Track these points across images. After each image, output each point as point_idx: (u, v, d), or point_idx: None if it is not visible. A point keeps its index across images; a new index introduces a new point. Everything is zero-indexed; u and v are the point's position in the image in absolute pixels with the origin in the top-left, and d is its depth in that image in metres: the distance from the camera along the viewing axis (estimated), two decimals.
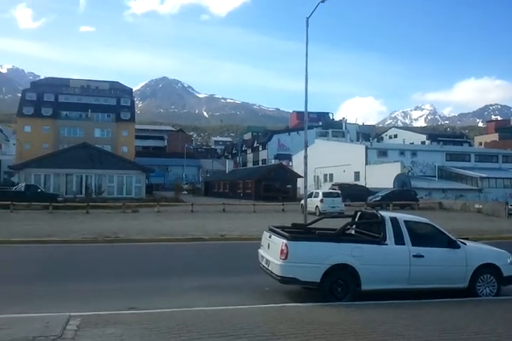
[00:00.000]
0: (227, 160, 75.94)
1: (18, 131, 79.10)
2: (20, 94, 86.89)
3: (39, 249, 14.42)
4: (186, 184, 72.82)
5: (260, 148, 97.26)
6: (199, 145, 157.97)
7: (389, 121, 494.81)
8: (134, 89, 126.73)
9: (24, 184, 34.99)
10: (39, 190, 33.74)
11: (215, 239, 17.08)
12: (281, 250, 7.75)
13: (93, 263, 12.41)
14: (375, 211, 9.31)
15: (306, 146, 20.64)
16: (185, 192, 60.33)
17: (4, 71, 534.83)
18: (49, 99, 77.41)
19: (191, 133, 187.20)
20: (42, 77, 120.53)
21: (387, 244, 8.25)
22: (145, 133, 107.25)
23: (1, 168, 72.27)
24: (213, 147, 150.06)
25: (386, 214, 8.75)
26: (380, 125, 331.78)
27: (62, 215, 26.46)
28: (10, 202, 28.61)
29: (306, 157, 20.36)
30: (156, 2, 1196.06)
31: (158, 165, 67.42)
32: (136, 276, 10.43)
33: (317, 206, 29.79)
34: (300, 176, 50.22)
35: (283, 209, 32.33)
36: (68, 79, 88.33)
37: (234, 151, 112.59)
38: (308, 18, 20.25)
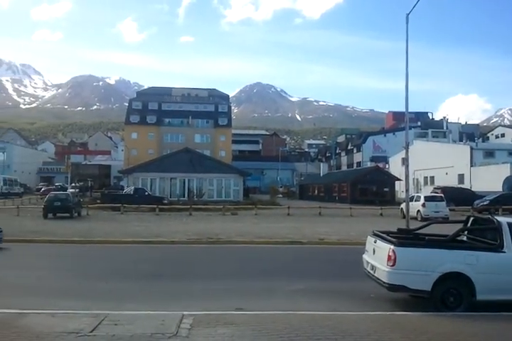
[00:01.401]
0: (321, 163, 75.48)
1: (125, 138, 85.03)
2: (127, 104, 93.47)
3: (149, 249, 15.33)
4: (281, 187, 73.45)
5: (355, 151, 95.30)
6: (293, 149, 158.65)
7: (495, 120, 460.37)
8: (231, 95, 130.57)
9: (133, 187, 37.48)
10: (146, 193, 35.94)
11: (313, 242, 17.01)
12: (389, 256, 7.51)
13: (199, 263, 12.94)
14: (490, 216, 8.70)
15: (407, 147, 19.88)
16: (281, 196, 60.83)
17: (112, 82, 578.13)
18: (153, 107, 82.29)
19: (285, 136, 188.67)
20: (146, 87, 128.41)
21: (504, 252, 7.67)
22: (241, 137, 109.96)
23: (111, 172, 78.24)
24: (307, 150, 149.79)
25: (503, 220, 8.14)
26: (485, 124, 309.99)
27: (167, 217, 27.95)
28: (121, 205, 30.81)
29: (407, 159, 19.61)
30: (250, 9, 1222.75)
31: (253, 168, 68.68)
32: (240, 277, 10.69)
33: (419, 210, 28.50)
34: (398, 179, 48.48)
35: (381, 214, 31.39)
36: (170, 88, 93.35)
37: (328, 154, 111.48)
38: (408, 15, 19.51)
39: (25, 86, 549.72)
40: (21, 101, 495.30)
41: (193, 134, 78.54)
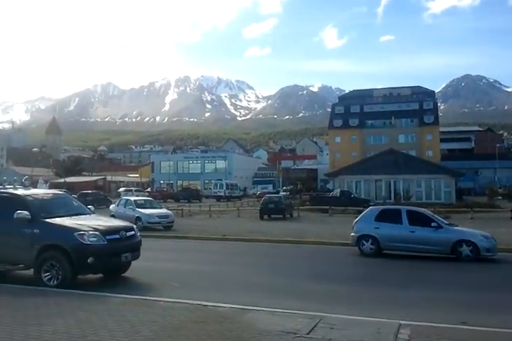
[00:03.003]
0: None
1: (329, 142, 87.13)
2: (329, 109, 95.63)
3: (358, 252, 15.20)
4: (500, 188, 65.63)
5: None
6: None
7: None
8: (436, 91, 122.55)
9: (339, 190, 37.96)
10: (352, 196, 36.00)
11: None
12: None
13: (414, 268, 12.29)
14: None
15: None
16: (500, 197, 54.27)
17: (315, 90, 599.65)
18: (355, 110, 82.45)
19: (501, 131, 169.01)
20: (347, 91, 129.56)
21: None
22: (450, 135, 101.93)
23: (317, 175, 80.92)
24: None
25: None
26: None
27: None
28: (328, 207, 31.47)
29: None
30: None
31: (465, 168, 62.82)
32: (464, 287, 9.79)
33: None
34: None
35: None
36: (372, 90, 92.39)
37: None
38: None
39: (240, 100, 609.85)
40: (237, 113, 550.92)
41: (396, 134, 76.20)
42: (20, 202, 9.57)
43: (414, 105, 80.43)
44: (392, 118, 78.30)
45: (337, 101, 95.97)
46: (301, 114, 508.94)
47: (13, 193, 10.01)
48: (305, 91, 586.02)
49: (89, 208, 10.98)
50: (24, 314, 6.71)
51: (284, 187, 63.58)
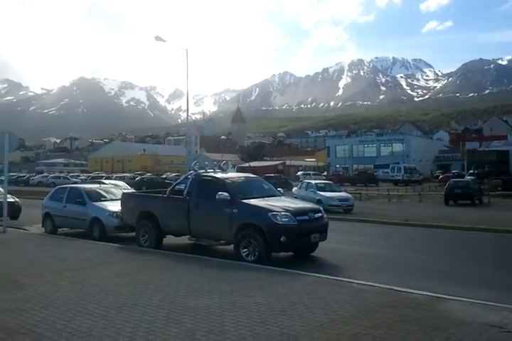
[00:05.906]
0: None
1: None
2: None
3: None
4: None
5: None
6: None
7: None
8: None
9: None
10: None
11: None
12: None
13: None
14: None
15: None
16: None
17: (505, 63, 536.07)
18: None
19: None
20: None
21: None
22: None
23: (509, 158, 72.37)
24: None
25: None
26: None
27: None
28: None
29: None
30: None
31: None
32: None
33: None
34: None
35: None
36: None
37: None
38: None
39: (418, 79, 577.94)
40: (414, 94, 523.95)
41: None
42: (221, 184, 10.61)
43: None
44: None
45: None
46: (487, 91, 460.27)
47: (214, 176, 11.15)
48: (492, 66, 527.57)
49: (278, 190, 11.64)
50: (229, 286, 7.40)
51: (470, 171, 58.41)
